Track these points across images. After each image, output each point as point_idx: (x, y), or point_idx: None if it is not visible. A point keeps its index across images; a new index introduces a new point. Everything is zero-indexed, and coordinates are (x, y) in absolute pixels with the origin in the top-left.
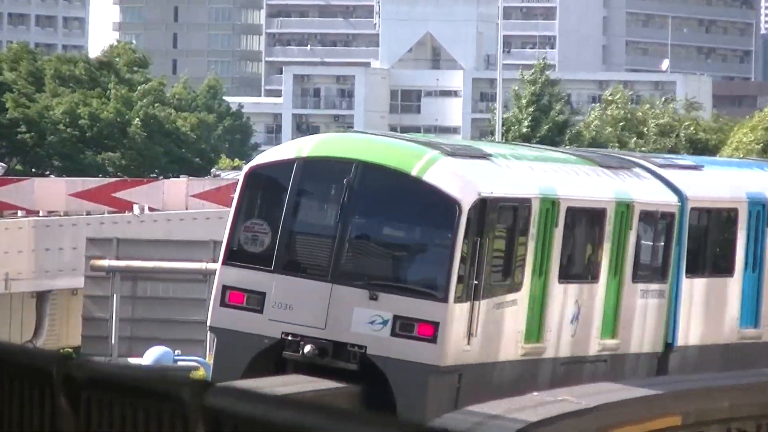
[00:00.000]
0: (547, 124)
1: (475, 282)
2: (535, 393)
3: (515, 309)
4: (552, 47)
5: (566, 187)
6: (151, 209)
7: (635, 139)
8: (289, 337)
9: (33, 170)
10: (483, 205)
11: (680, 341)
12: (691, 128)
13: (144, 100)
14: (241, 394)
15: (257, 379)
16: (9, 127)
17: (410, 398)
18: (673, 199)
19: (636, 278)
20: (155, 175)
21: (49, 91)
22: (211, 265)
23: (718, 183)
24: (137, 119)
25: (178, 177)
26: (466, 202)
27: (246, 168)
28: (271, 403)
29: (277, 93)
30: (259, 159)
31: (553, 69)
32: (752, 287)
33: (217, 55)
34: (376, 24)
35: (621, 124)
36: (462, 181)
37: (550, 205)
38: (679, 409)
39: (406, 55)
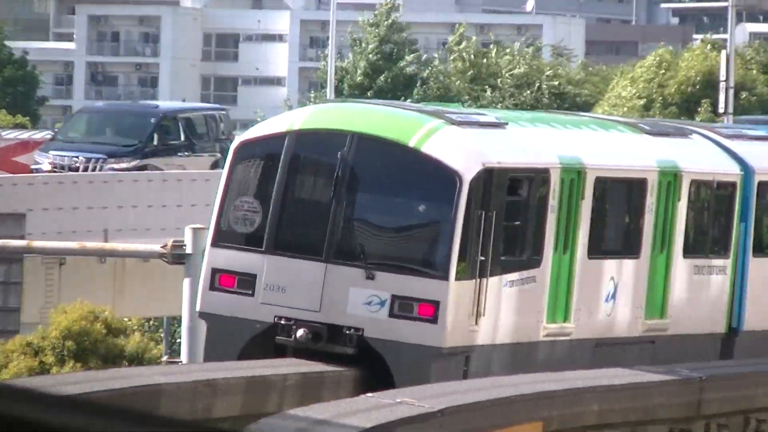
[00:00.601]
0: (392, 74)
1: (481, 258)
2: (370, 394)
3: (534, 287)
4: None
5: (596, 156)
6: None
7: (489, 92)
8: (282, 321)
9: None
10: (488, 176)
11: (747, 325)
12: (555, 80)
13: None
14: (18, 395)
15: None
16: None
17: (412, 383)
18: (734, 170)
19: (688, 253)
20: None
21: None
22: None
23: None
24: None
25: None
26: (468, 173)
27: (235, 143)
28: (52, 404)
29: (69, 37)
30: (249, 133)
31: (397, 10)
32: None
33: None
34: None
35: (469, 74)
36: (464, 151)
37: (576, 175)
38: (539, 414)
39: None
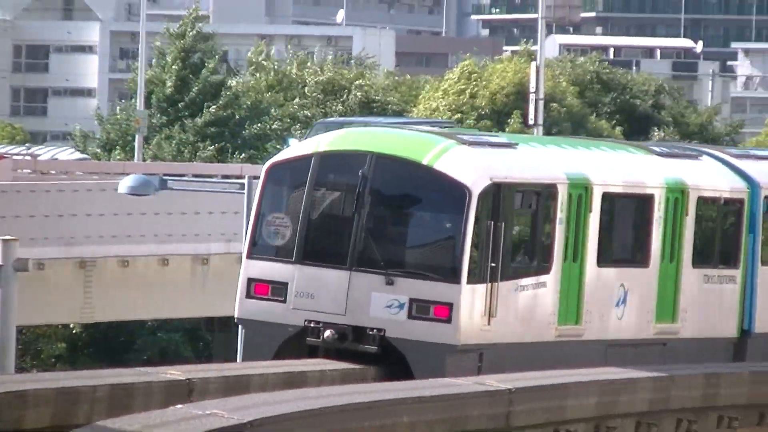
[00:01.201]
0: (197, 84)
1: (492, 264)
2: (180, 405)
3: (545, 291)
4: None
5: (603, 174)
6: None
7: (297, 100)
8: (312, 324)
9: None
10: (497, 189)
11: (759, 329)
12: (365, 88)
13: None
14: None
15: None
16: None
17: (429, 377)
18: (741, 186)
19: (698, 263)
20: None
21: None
22: None
23: None
24: None
25: None
26: (477, 187)
27: (267, 165)
28: None
29: None
30: (279, 156)
31: (207, 21)
32: None
33: None
34: None
35: (275, 87)
36: (473, 167)
37: (583, 190)
38: (350, 426)
39: (33, 3)
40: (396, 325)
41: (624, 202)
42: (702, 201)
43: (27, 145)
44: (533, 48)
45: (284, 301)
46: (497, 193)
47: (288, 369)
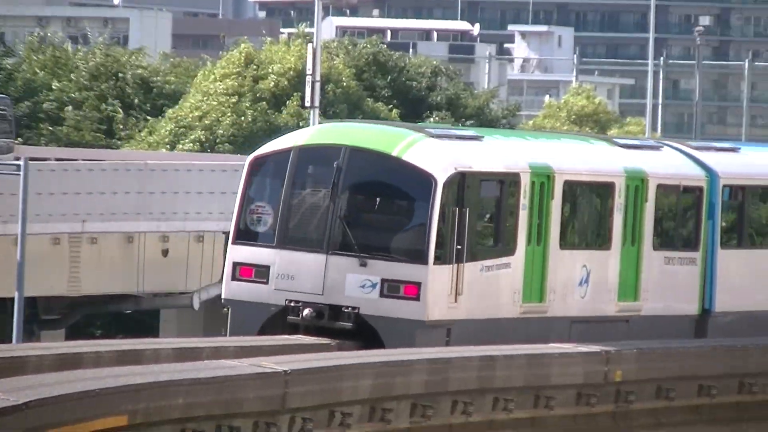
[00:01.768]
0: None
1: (458, 246)
2: None
3: (509, 271)
4: None
5: (564, 164)
6: None
7: (68, 82)
8: (292, 304)
9: None
10: (462, 178)
11: (719, 307)
12: (139, 70)
13: None
14: None
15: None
16: None
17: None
18: (700, 175)
19: (658, 246)
20: None
21: None
22: None
23: (755, 162)
24: None
25: None
26: (442, 175)
27: (250, 158)
28: None
29: None
30: (261, 149)
31: None
32: None
33: None
34: None
35: (48, 68)
36: (438, 158)
37: (545, 179)
38: (125, 408)
39: None
40: (369, 303)
41: (585, 190)
42: (661, 188)
43: None
44: (309, 30)
45: (267, 283)
46: (462, 182)
47: (65, 351)
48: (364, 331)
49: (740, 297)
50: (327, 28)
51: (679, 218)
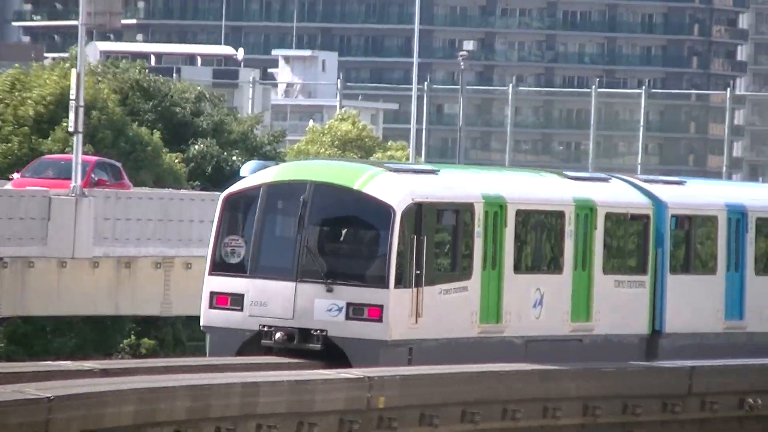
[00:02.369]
0: None
1: (417, 272)
2: None
3: (467, 294)
4: None
5: (517, 194)
6: None
7: None
8: (265, 328)
9: None
10: (419, 208)
11: (669, 328)
12: None
13: None
14: None
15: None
16: None
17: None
18: (646, 204)
19: (608, 270)
20: None
21: None
22: None
23: (700, 194)
24: None
25: None
26: (400, 206)
27: (223, 195)
28: None
29: None
30: (233, 188)
31: None
32: (735, 286)
33: None
34: None
35: None
36: (396, 190)
37: (498, 208)
38: None
39: None
40: (336, 325)
41: (537, 218)
42: (610, 216)
43: None
44: (70, 54)
45: (241, 310)
46: (419, 212)
47: None
48: (332, 352)
49: (688, 319)
50: (92, 52)
51: (628, 244)
